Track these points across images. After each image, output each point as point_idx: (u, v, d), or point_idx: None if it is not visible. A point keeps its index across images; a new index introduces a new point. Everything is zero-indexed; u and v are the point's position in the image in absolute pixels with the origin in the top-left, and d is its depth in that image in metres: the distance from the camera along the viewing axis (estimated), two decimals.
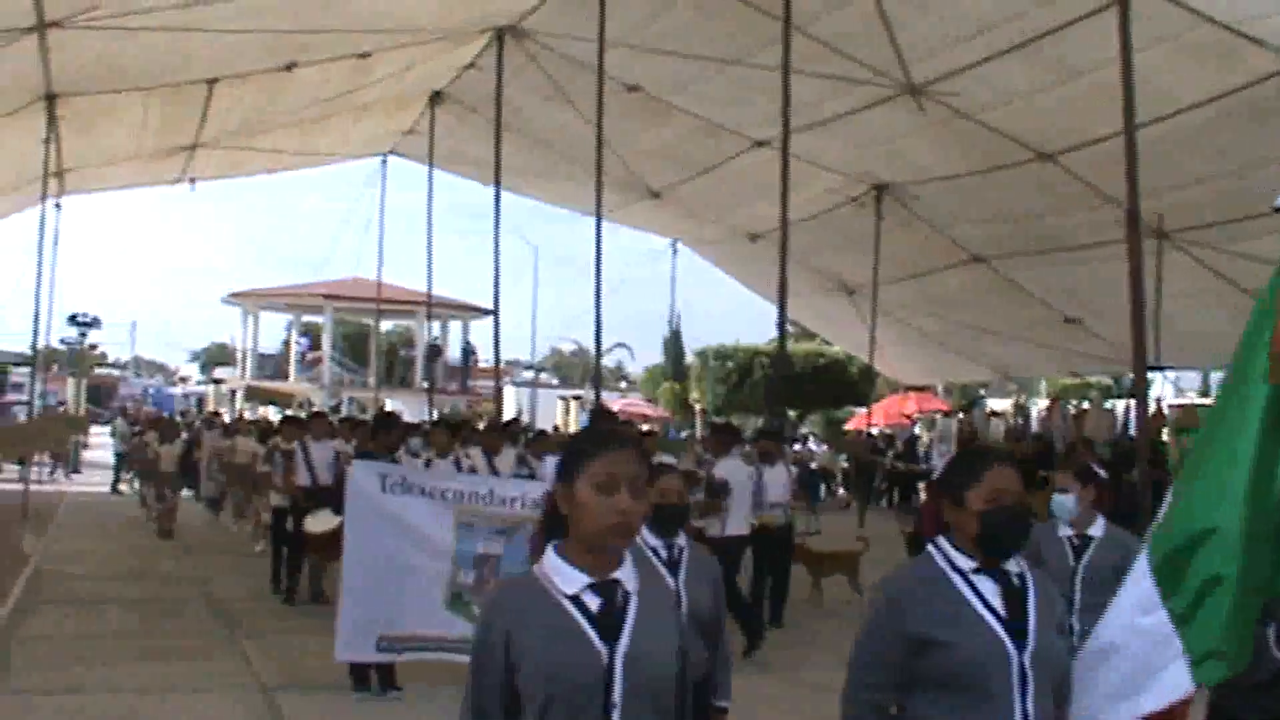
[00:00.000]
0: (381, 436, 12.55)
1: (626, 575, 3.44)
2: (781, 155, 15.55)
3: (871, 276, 25.36)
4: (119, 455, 34.88)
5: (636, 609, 3.41)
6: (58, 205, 27.26)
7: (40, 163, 21.65)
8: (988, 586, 3.97)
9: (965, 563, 3.99)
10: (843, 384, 49.47)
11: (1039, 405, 40.71)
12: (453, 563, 10.17)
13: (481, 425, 20.96)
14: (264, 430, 25.79)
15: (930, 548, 4.11)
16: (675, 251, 33.58)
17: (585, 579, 3.39)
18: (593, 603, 3.38)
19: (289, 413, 30.04)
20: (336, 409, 46.94)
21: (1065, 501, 7.46)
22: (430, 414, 29.86)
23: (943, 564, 4.03)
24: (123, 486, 32.51)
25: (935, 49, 17.85)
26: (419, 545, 10.21)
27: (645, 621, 3.40)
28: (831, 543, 17.39)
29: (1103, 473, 7.84)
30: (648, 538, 5.80)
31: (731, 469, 14.05)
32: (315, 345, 56.08)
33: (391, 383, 52.33)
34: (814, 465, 33.31)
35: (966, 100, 18.80)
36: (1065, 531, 7.51)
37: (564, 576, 3.40)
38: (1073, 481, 7.50)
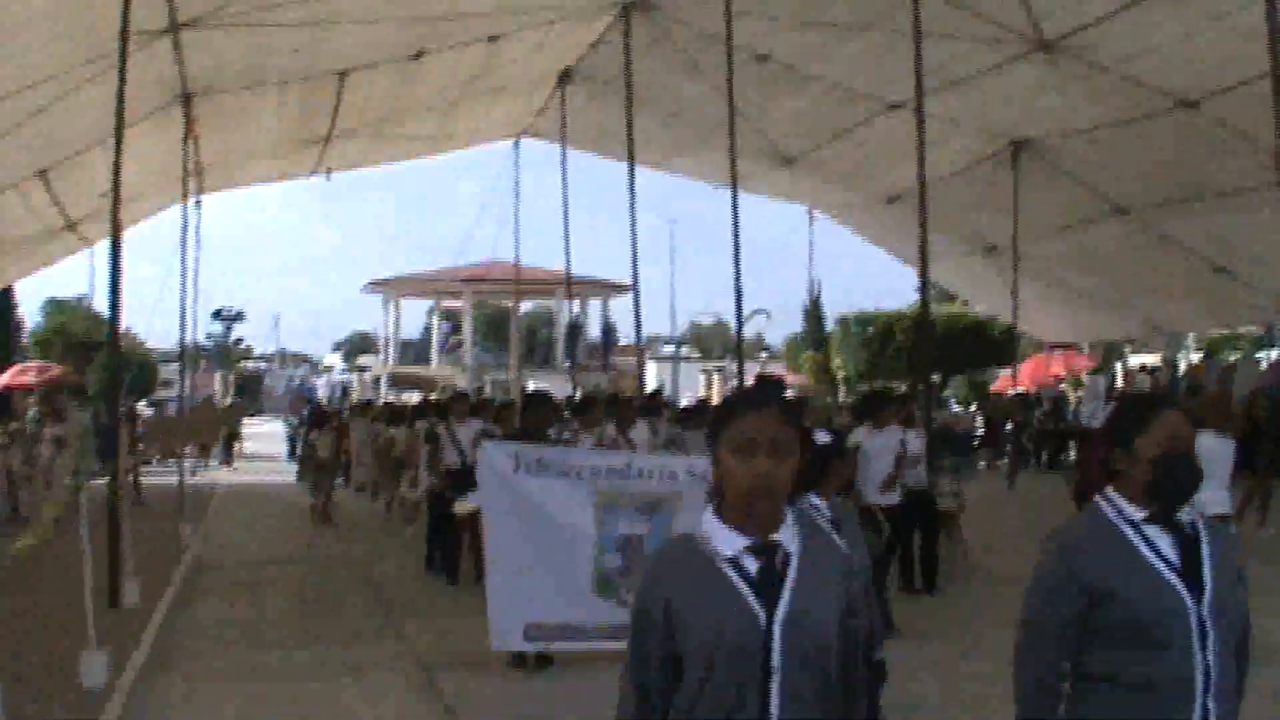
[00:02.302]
0: (531, 416, 12.55)
1: (787, 536, 3.41)
2: (916, 116, 15.43)
3: (1012, 234, 25.06)
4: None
5: (797, 571, 3.37)
6: (198, 203, 27.75)
7: (179, 162, 22.02)
8: (1160, 537, 3.88)
9: (1135, 513, 3.89)
10: (986, 345, 48.88)
11: (1187, 359, 40.01)
12: (596, 546, 10.08)
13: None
14: (395, 414, 26.13)
15: (1098, 499, 4.00)
16: (812, 219, 33.39)
17: (743, 541, 3.37)
18: (751, 565, 3.36)
19: (432, 397, 30.37)
20: (480, 391, 47.39)
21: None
22: (574, 392, 29.95)
23: (1112, 515, 3.94)
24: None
25: (1066, 3, 17.60)
26: (560, 528, 10.08)
27: (806, 584, 3.36)
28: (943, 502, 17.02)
29: None
30: (811, 498, 5.84)
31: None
32: (456, 329, 56.63)
33: (533, 363, 52.60)
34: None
35: (1101, 52, 18.51)
36: None
37: (722, 539, 3.39)
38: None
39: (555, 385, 41.69)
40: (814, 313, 59.93)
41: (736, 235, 18.07)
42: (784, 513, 3.45)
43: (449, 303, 59.18)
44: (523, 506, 10.16)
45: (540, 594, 10.04)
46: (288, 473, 35.15)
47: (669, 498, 9.97)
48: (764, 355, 70.12)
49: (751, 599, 3.32)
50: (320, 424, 25.47)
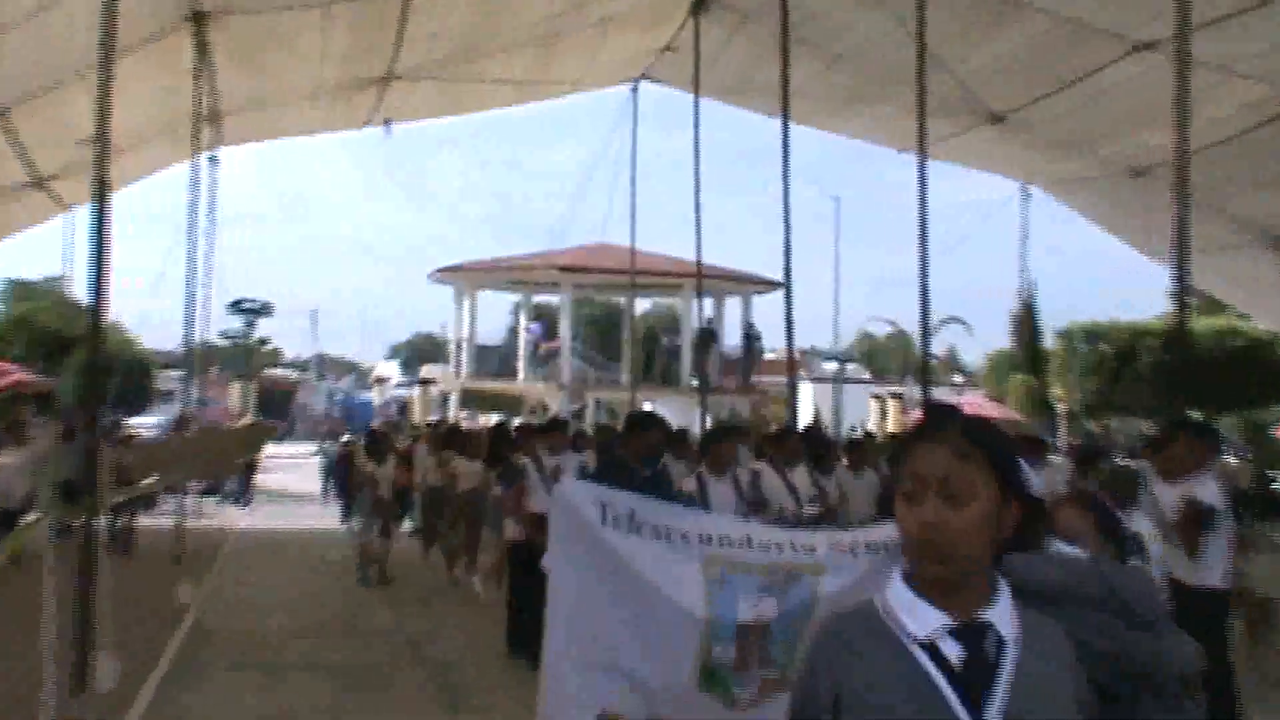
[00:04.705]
0: (634, 442, 12.26)
1: (1000, 616, 3.32)
2: (1176, 61, 15.17)
3: None
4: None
5: (1016, 663, 3.27)
6: (213, 158, 27.91)
7: (189, 105, 22.07)
8: None
9: None
10: (1267, 373, 48.23)
11: None
12: (705, 631, 9.77)
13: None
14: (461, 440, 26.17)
15: None
16: (1027, 197, 33.08)
17: (943, 619, 3.29)
18: (953, 652, 3.27)
19: (519, 421, 30.55)
20: (580, 414, 47.49)
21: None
22: (703, 420, 29.78)
23: None
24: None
25: None
26: (657, 602, 9.61)
27: (1028, 678, 3.26)
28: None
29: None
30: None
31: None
32: (551, 333, 56.83)
33: (651, 379, 52.54)
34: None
35: None
36: None
37: (913, 614, 3.32)
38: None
39: (680, 409, 41.65)
40: (1027, 322, 59.24)
41: (924, 219, 17.82)
42: (992, 581, 3.38)
43: (541, 298, 59.57)
44: (607, 566, 9.77)
45: (622, 680, 9.79)
46: (323, 516, 35.51)
47: (806, 568, 9.69)
48: (958, 379, 69.87)
49: (954, 698, 3.24)
50: (378, 452, 25.53)
